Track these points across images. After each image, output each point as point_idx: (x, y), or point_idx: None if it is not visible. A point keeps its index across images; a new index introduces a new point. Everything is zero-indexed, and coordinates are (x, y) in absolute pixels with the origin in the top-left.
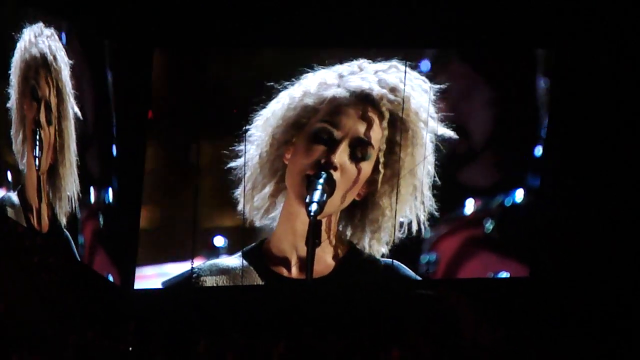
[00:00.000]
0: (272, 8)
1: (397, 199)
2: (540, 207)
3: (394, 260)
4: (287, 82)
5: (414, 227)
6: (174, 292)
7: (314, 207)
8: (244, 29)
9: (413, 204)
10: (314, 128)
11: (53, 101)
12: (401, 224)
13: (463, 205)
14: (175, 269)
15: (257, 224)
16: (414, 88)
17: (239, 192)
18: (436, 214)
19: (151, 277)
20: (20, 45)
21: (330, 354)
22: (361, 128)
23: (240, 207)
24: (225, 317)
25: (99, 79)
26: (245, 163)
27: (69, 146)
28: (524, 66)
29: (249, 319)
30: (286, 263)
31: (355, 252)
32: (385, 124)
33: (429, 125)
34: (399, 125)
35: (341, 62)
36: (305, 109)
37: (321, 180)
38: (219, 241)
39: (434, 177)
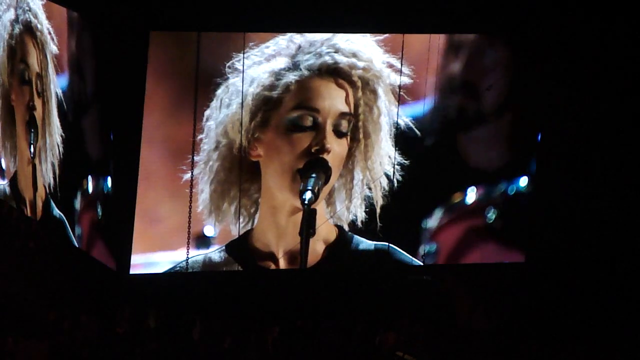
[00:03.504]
0: None
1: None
2: (537, 194)
3: (389, 244)
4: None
5: (384, 182)
6: (171, 278)
7: (308, 195)
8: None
9: (385, 160)
10: (288, 118)
11: (42, 68)
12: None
13: (465, 194)
14: (162, 258)
15: (232, 220)
16: (367, 45)
17: (208, 205)
18: (406, 161)
19: (138, 266)
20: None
21: (325, 339)
22: (340, 103)
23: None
24: (218, 304)
25: (95, 64)
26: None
27: (51, 110)
28: (524, 54)
29: (244, 307)
30: (272, 255)
31: (344, 237)
32: (359, 92)
33: (391, 76)
34: (367, 89)
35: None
36: (266, 102)
37: (313, 176)
38: (209, 230)
39: (393, 125)
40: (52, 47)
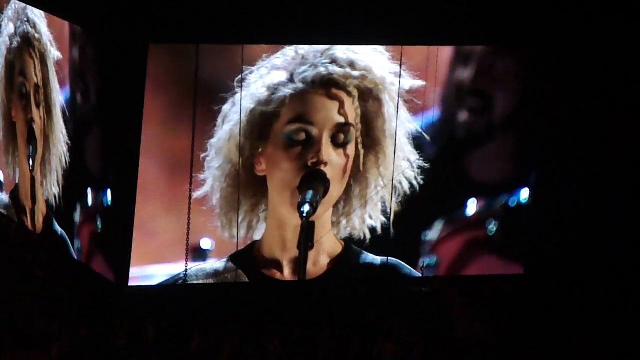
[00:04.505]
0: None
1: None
2: (537, 205)
3: (394, 259)
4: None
5: (406, 186)
6: (169, 290)
7: (306, 207)
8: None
9: (398, 163)
10: (284, 133)
11: (40, 81)
12: (394, 188)
13: (465, 206)
14: (159, 271)
15: (244, 236)
16: (368, 53)
17: (222, 221)
18: (426, 165)
19: (135, 279)
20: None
21: (324, 349)
22: (335, 114)
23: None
24: (219, 315)
25: (94, 76)
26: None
27: (57, 123)
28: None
29: (243, 317)
30: (278, 266)
31: (350, 250)
32: (356, 102)
33: (395, 83)
34: (371, 97)
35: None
36: (263, 117)
37: (311, 192)
38: (206, 243)
39: (410, 128)
40: (54, 54)
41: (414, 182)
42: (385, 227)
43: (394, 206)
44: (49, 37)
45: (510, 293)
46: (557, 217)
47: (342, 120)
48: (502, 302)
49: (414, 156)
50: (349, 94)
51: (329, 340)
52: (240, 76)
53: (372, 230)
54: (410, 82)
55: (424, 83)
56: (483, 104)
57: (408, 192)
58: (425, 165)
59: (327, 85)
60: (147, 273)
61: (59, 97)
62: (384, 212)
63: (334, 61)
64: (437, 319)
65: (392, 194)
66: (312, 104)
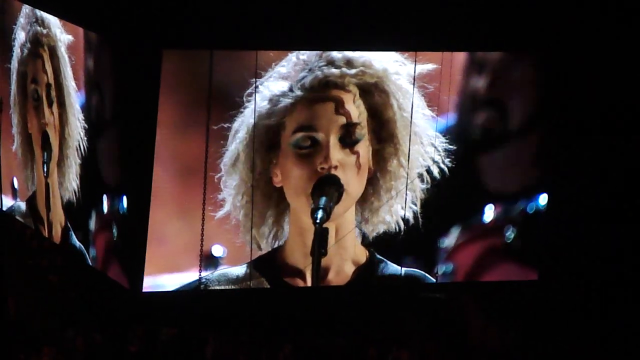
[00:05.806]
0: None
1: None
2: (553, 211)
3: (417, 270)
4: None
5: (435, 171)
6: (183, 296)
7: (319, 213)
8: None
9: (423, 150)
10: (291, 142)
11: (51, 77)
12: (421, 176)
13: (482, 213)
14: (172, 280)
15: (269, 248)
16: None
17: (246, 237)
18: (452, 146)
19: (148, 287)
20: (16, 53)
21: (337, 356)
22: (338, 116)
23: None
24: (233, 321)
25: (107, 82)
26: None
27: (70, 123)
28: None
29: (257, 323)
30: (300, 273)
31: (374, 260)
32: (358, 99)
33: (400, 71)
34: (376, 90)
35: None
36: (268, 129)
37: (324, 198)
38: (218, 251)
39: (429, 112)
40: (65, 38)
41: (442, 166)
42: (419, 214)
43: (420, 194)
44: (58, 24)
45: (525, 299)
46: (572, 223)
47: (346, 120)
48: (516, 308)
49: (437, 140)
50: (349, 92)
51: (343, 348)
52: (254, 85)
53: (406, 221)
54: (419, 67)
55: (434, 66)
56: (500, 111)
57: (438, 176)
58: (451, 147)
59: (325, 88)
60: (160, 282)
61: (72, 82)
62: (414, 202)
63: (330, 63)
64: (452, 326)
65: (407, 184)
66: (313, 110)
